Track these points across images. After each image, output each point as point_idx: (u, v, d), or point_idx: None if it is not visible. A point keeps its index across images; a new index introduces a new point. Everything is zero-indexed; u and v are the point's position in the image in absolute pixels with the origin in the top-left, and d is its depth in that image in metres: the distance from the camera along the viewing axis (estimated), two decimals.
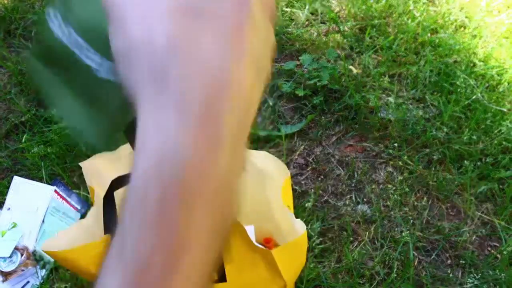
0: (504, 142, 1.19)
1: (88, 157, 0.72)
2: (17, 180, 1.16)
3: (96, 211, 0.68)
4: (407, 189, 1.14)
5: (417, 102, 1.30)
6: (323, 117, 1.27)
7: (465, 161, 1.16)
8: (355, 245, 1.06)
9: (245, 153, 0.25)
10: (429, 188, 1.15)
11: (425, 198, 1.13)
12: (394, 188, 1.14)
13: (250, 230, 0.70)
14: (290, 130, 1.25)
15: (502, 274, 1.00)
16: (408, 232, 1.07)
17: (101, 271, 0.24)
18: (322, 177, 1.18)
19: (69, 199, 1.14)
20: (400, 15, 1.47)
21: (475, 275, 1.01)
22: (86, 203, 1.14)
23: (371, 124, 1.25)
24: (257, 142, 1.23)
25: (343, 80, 1.32)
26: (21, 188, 1.15)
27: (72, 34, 0.33)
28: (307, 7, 1.51)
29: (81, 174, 0.73)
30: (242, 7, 0.24)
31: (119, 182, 0.63)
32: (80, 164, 0.69)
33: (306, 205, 1.10)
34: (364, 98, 1.28)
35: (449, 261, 1.05)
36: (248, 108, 0.24)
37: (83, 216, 1.13)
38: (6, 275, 1.04)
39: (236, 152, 0.24)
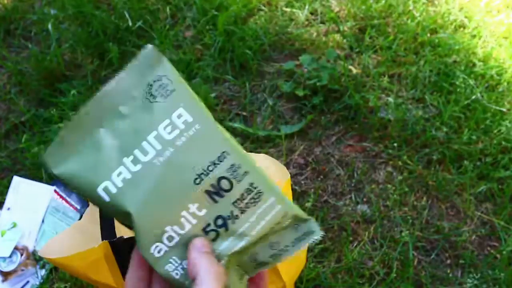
0: (503, 142, 1.19)
1: None
2: (17, 180, 1.16)
3: (92, 211, 0.68)
4: (406, 189, 1.14)
5: (416, 102, 1.30)
6: (322, 117, 1.27)
7: (465, 161, 1.16)
8: (354, 245, 1.07)
9: None
10: (428, 188, 1.15)
11: (424, 198, 1.13)
12: (393, 188, 1.14)
13: None
14: (289, 130, 1.25)
15: (502, 274, 1.00)
16: (407, 232, 1.07)
17: None
18: (321, 177, 1.18)
19: (69, 199, 1.14)
20: (399, 15, 1.47)
21: (474, 275, 1.01)
22: (86, 203, 1.14)
23: (370, 124, 1.25)
24: (256, 142, 1.23)
25: (342, 80, 1.32)
26: (21, 188, 1.16)
27: None
28: (306, 7, 1.51)
29: None
30: None
31: None
32: None
33: (306, 205, 1.11)
34: (364, 98, 1.29)
35: (448, 261, 1.05)
36: None
37: (82, 216, 1.13)
38: (6, 275, 1.05)
39: None
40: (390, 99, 1.29)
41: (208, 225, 0.38)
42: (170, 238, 0.37)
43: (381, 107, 1.28)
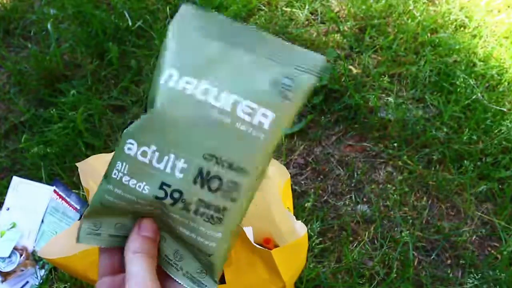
0: (504, 142, 1.19)
1: (87, 157, 0.71)
2: (16, 180, 1.16)
3: None
4: (406, 189, 1.14)
5: (417, 102, 1.29)
6: (322, 117, 1.27)
7: (465, 161, 1.16)
8: (354, 245, 1.06)
9: None
10: (428, 188, 1.14)
11: (424, 198, 1.13)
12: (393, 188, 1.14)
13: (249, 231, 0.69)
14: (289, 130, 1.25)
15: (502, 274, 1.00)
16: (407, 232, 1.06)
17: None
18: (321, 177, 1.18)
19: (68, 199, 1.14)
20: (400, 15, 1.47)
21: (475, 275, 1.01)
22: (86, 203, 1.14)
23: (370, 124, 1.25)
24: None
25: (342, 80, 1.32)
26: (21, 188, 1.15)
27: None
28: (306, 7, 1.51)
29: None
30: None
31: None
32: (77, 164, 0.69)
33: (306, 205, 1.10)
34: (364, 98, 1.28)
35: (449, 261, 1.05)
36: None
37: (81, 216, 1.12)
38: (5, 275, 1.04)
39: None
40: (390, 99, 1.28)
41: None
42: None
43: (381, 107, 1.28)
